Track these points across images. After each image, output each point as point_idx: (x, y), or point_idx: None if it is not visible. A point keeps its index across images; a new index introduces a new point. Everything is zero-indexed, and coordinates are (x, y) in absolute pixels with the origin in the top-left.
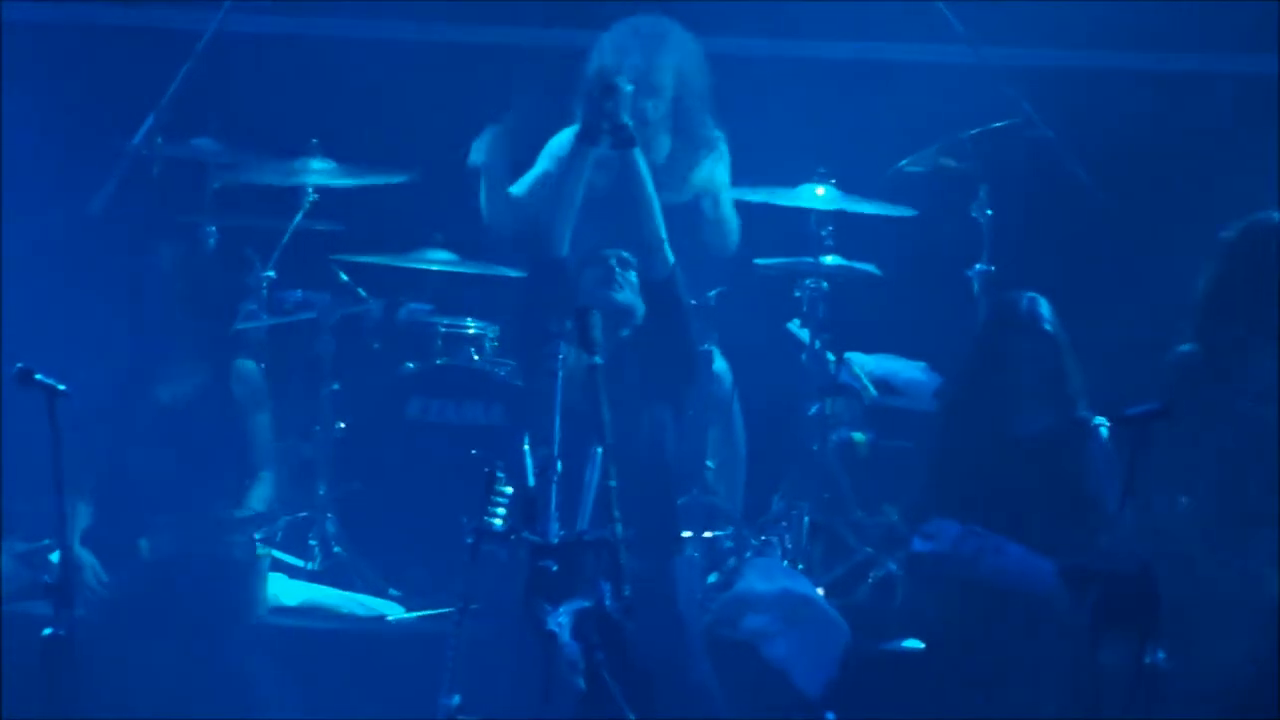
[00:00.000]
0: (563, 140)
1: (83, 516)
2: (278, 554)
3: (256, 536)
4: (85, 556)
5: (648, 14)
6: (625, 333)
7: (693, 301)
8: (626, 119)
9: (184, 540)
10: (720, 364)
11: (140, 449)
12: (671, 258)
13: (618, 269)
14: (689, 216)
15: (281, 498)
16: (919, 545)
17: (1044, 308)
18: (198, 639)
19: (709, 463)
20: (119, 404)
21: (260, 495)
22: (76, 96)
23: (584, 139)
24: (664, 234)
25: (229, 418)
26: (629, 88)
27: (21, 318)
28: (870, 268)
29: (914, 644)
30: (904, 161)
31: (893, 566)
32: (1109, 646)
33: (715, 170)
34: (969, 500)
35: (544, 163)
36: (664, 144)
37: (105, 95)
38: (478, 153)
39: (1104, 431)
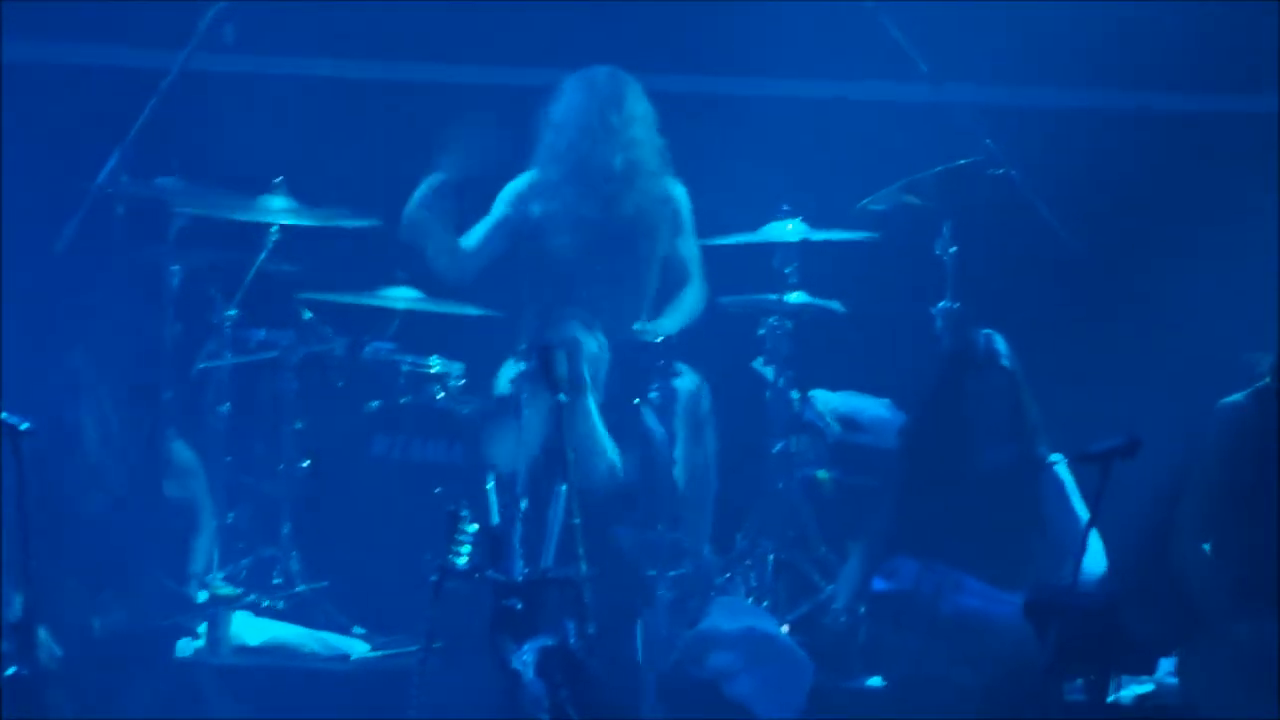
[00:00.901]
0: (519, 187)
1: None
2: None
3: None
4: (40, 633)
5: (601, 68)
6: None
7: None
8: (582, 371)
9: (135, 617)
10: (692, 379)
11: (83, 531)
12: (621, 472)
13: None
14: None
15: (245, 536)
16: (879, 584)
17: (1000, 344)
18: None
19: (678, 484)
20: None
21: (202, 551)
22: (41, 135)
23: (536, 408)
24: (617, 456)
25: (165, 503)
26: (592, 344)
27: None
28: (834, 305)
29: (877, 682)
30: (867, 200)
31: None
32: (1072, 681)
33: (670, 237)
34: (929, 536)
35: (498, 209)
36: (633, 195)
37: (70, 134)
38: (413, 210)
39: (1060, 469)
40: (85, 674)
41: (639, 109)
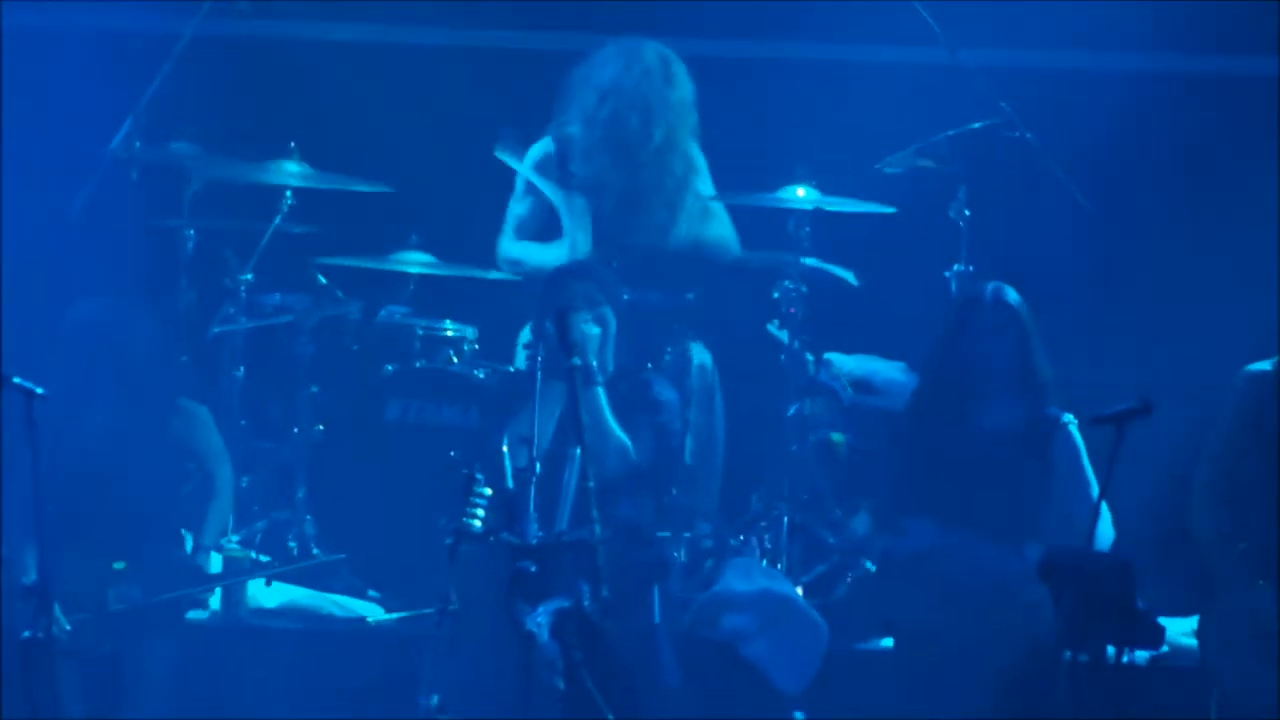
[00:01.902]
0: (550, 153)
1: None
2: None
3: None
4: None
5: (650, 43)
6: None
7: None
8: (592, 359)
9: (148, 589)
10: (703, 355)
11: (87, 485)
12: (634, 456)
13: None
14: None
15: (260, 500)
16: (892, 544)
17: (1010, 294)
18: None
19: (687, 459)
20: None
21: (216, 520)
22: (55, 100)
23: (549, 374)
24: (626, 439)
25: (172, 459)
26: (595, 329)
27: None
28: (848, 275)
29: (889, 644)
30: (882, 162)
31: (870, 566)
32: (1082, 644)
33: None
34: (939, 495)
35: (514, 207)
36: (660, 165)
37: (84, 99)
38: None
39: (1072, 428)
40: (98, 645)
41: (684, 89)
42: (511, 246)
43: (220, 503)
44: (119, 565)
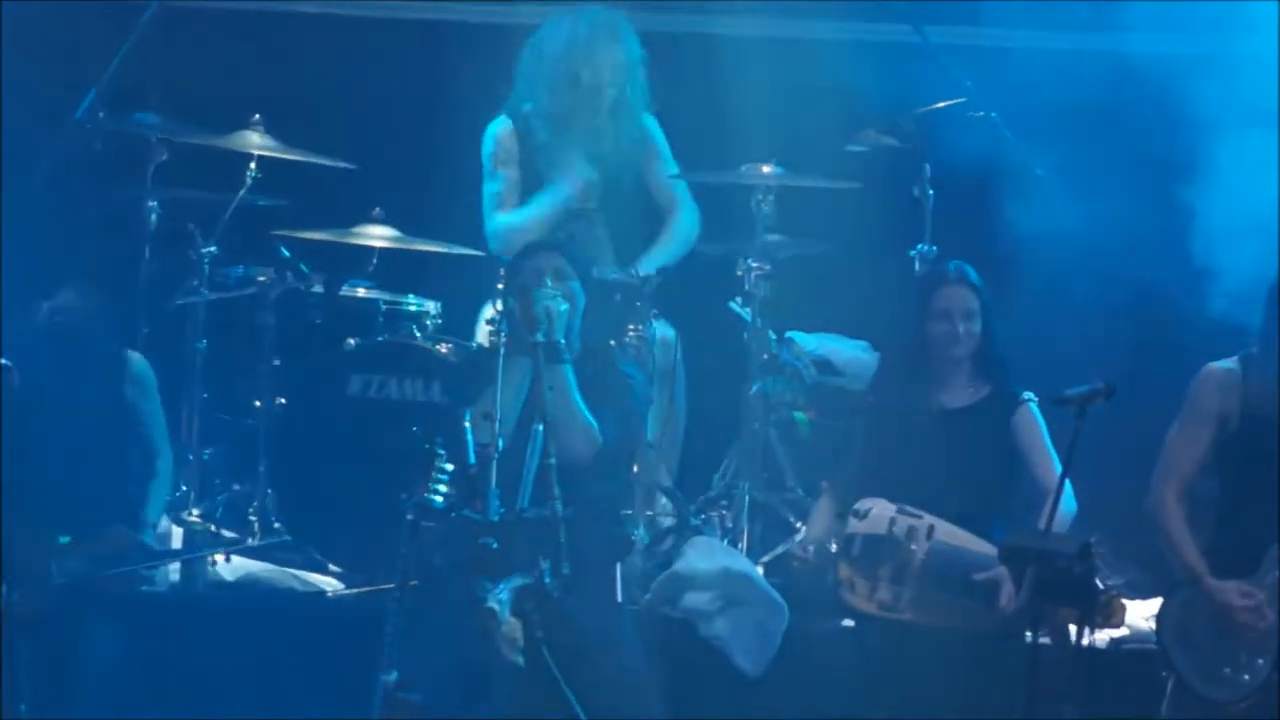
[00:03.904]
0: (510, 128)
1: None
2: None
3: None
4: None
5: (594, 6)
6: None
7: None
8: (559, 337)
9: (92, 564)
10: (665, 330)
11: (35, 458)
12: (600, 439)
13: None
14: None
15: (221, 473)
16: (852, 526)
17: (971, 275)
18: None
19: (649, 437)
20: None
21: (159, 497)
22: (18, 68)
23: (513, 350)
24: (592, 420)
25: (124, 422)
26: (564, 305)
27: None
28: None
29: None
30: (849, 142)
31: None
32: (1042, 624)
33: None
34: (898, 475)
35: (489, 186)
36: (617, 131)
37: (49, 67)
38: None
39: (1032, 406)
40: (46, 620)
41: (633, 48)
42: (505, 217)
43: (161, 482)
44: (64, 539)
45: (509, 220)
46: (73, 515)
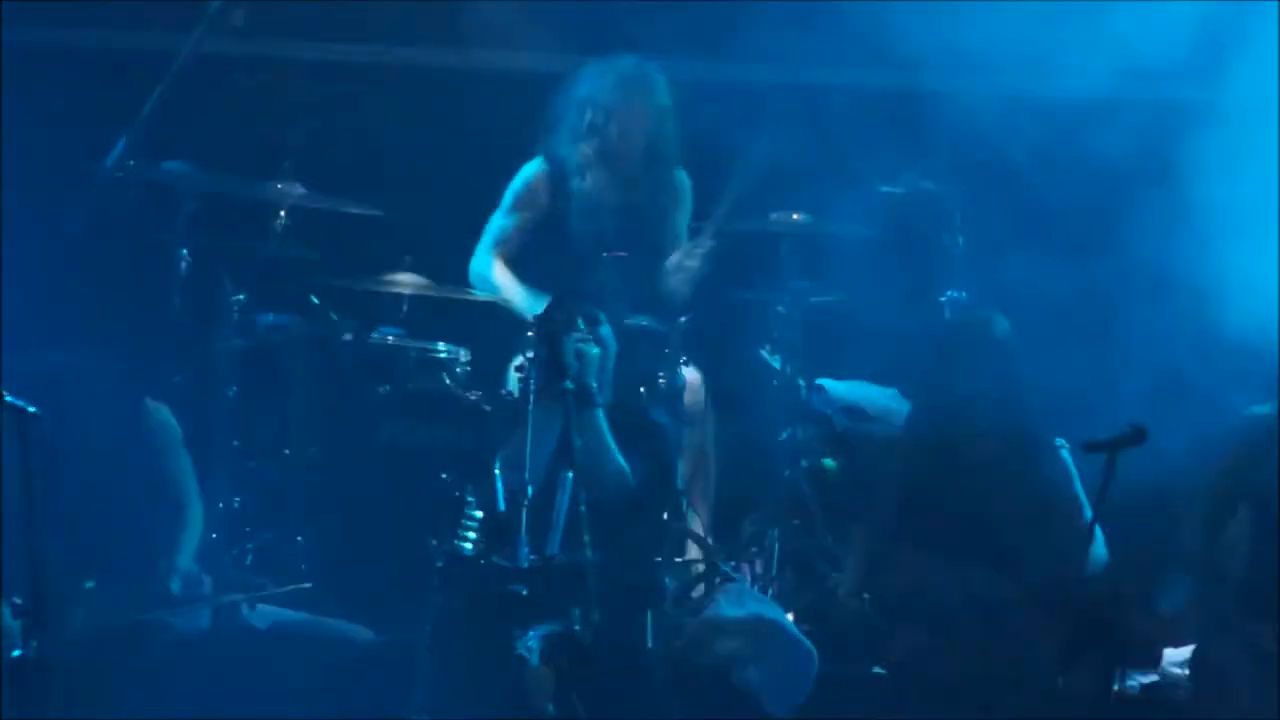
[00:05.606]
0: (539, 174)
1: None
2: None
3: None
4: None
5: (627, 56)
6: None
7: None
8: (590, 380)
9: (118, 612)
10: (694, 376)
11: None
12: (632, 482)
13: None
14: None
15: (251, 521)
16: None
17: (1000, 324)
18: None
19: (679, 483)
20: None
21: (188, 545)
22: (49, 119)
23: (544, 396)
24: (625, 465)
25: (145, 470)
26: (595, 350)
27: None
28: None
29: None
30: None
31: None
32: (1077, 669)
33: (680, 223)
34: (929, 524)
35: (498, 219)
36: (649, 182)
37: (79, 118)
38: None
39: (1065, 453)
40: (71, 667)
41: (663, 98)
42: (491, 264)
43: (190, 530)
44: (89, 585)
45: (490, 271)
46: (99, 561)
